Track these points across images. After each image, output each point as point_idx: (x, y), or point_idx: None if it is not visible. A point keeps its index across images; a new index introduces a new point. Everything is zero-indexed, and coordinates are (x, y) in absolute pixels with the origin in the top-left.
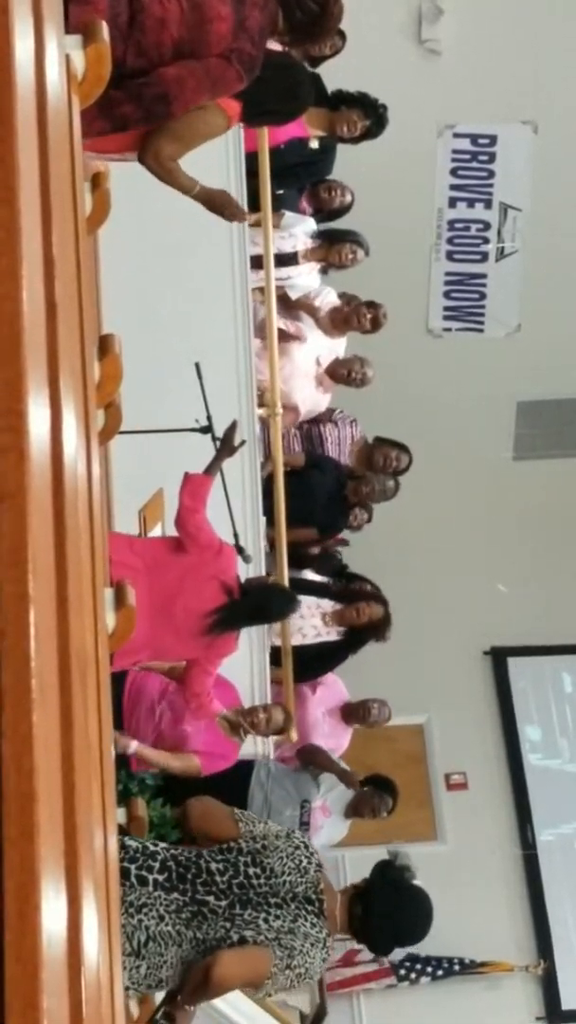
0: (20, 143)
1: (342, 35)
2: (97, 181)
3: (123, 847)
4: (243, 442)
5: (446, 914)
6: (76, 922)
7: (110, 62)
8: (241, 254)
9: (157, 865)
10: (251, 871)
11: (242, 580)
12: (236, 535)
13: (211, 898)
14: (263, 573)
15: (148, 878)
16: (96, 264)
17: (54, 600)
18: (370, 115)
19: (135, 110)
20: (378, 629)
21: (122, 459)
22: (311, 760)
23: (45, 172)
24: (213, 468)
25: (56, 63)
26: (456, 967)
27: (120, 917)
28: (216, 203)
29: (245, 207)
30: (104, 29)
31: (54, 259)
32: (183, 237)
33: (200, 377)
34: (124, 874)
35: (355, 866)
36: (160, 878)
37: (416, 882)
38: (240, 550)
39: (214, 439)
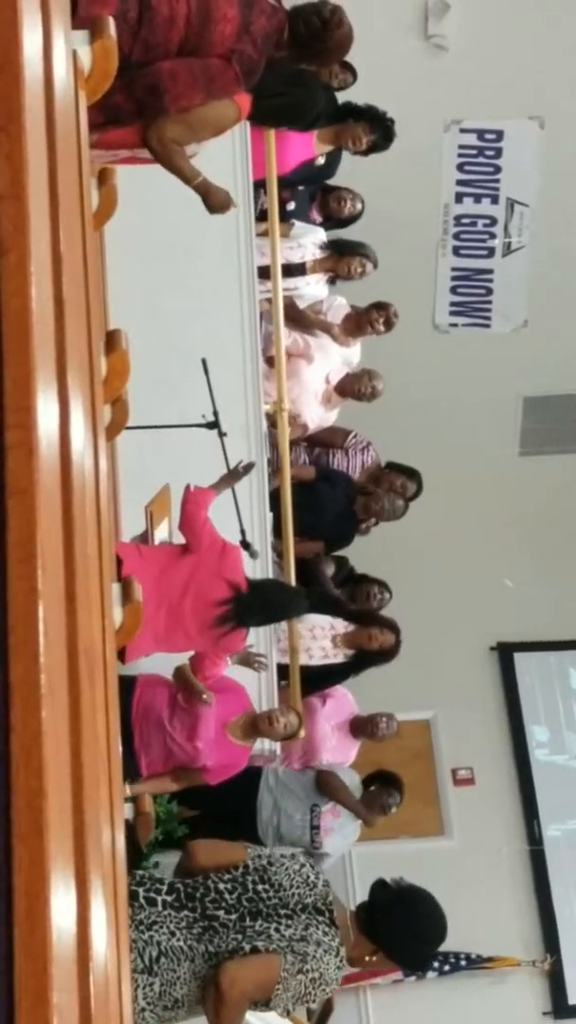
0: (28, 139)
1: (353, 72)
2: (104, 177)
3: (129, 873)
4: (252, 464)
5: (453, 909)
6: (84, 918)
7: (117, 58)
8: (248, 262)
9: (165, 888)
10: (259, 887)
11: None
12: (243, 531)
13: (221, 912)
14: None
15: (156, 899)
16: (102, 259)
17: (63, 595)
18: (376, 129)
19: (125, 100)
20: (385, 656)
21: (128, 455)
22: (329, 792)
23: (53, 168)
24: (218, 487)
25: (63, 59)
26: (463, 962)
27: (130, 934)
28: (214, 202)
29: (252, 222)
30: (111, 25)
31: (62, 255)
32: (190, 237)
33: (206, 372)
34: (132, 896)
35: (362, 863)
36: (168, 898)
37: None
38: (247, 545)
39: (220, 434)
